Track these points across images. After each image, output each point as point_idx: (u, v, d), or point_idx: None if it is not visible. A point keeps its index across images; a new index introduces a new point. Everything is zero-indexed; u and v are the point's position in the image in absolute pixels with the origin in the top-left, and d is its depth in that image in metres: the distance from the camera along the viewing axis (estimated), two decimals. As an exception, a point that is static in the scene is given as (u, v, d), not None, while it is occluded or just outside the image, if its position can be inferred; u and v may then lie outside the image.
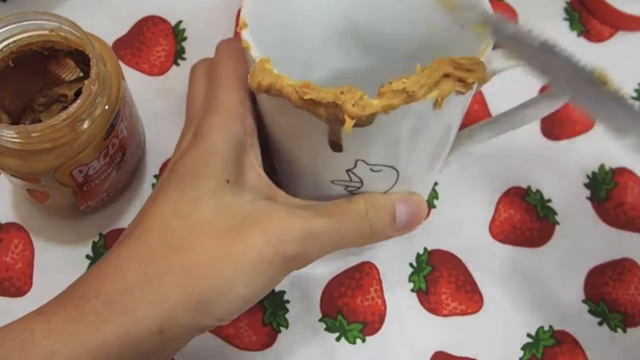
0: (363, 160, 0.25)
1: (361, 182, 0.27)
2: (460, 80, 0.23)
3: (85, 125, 0.28)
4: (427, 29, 0.28)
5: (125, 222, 0.34)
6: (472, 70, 0.23)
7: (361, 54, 0.31)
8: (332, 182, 0.27)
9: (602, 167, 0.37)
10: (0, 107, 0.30)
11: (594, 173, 0.37)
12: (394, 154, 0.26)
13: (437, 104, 0.23)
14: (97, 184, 0.31)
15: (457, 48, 0.25)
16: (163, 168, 0.36)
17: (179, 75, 0.38)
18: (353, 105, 0.22)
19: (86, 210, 0.33)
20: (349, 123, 0.22)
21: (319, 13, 0.29)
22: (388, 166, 0.26)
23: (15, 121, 0.31)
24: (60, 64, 0.31)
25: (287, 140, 0.28)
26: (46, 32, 0.29)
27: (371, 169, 0.26)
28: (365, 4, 0.29)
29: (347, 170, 0.26)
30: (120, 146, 0.31)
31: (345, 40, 0.30)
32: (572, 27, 0.41)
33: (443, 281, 0.34)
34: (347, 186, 0.27)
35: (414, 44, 0.29)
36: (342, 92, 0.22)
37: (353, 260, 0.34)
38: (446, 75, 0.23)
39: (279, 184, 0.28)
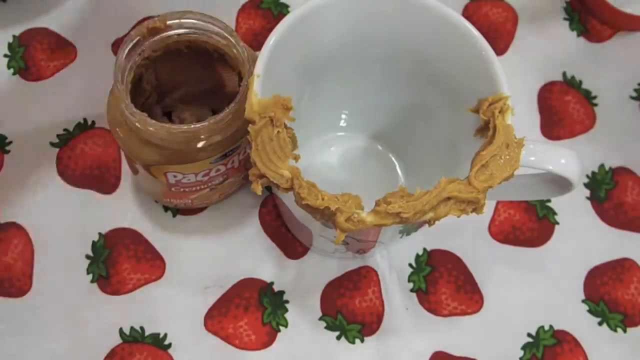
0: (351, 237, 0.29)
1: (348, 243, 0.31)
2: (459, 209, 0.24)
3: (200, 144, 0.28)
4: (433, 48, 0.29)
5: (124, 221, 0.35)
6: (473, 202, 0.23)
7: (370, 62, 0.31)
8: (325, 237, 0.30)
9: (601, 166, 0.37)
10: (154, 77, 0.31)
11: (593, 173, 0.37)
12: (377, 235, 0.29)
13: (430, 223, 0.24)
14: (186, 191, 0.31)
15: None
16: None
17: (178, 75, 0.38)
18: (346, 221, 0.23)
19: (168, 205, 0.34)
20: (340, 236, 0.23)
21: (336, 36, 0.29)
22: (371, 240, 0.30)
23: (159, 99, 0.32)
24: (229, 72, 0.32)
25: (287, 206, 0.30)
26: (223, 41, 0.29)
27: (357, 240, 0.30)
28: (375, 22, 0.29)
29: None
30: (224, 173, 0.31)
31: (356, 52, 0.31)
32: (572, 27, 0.41)
33: (443, 281, 0.34)
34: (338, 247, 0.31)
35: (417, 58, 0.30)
36: (338, 200, 0.23)
37: (352, 265, 0.35)
38: (447, 199, 0.23)
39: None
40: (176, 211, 0.35)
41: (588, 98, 0.39)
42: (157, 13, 0.40)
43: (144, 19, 0.39)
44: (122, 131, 0.29)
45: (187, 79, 0.32)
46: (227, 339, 0.33)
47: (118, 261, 0.34)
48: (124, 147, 0.29)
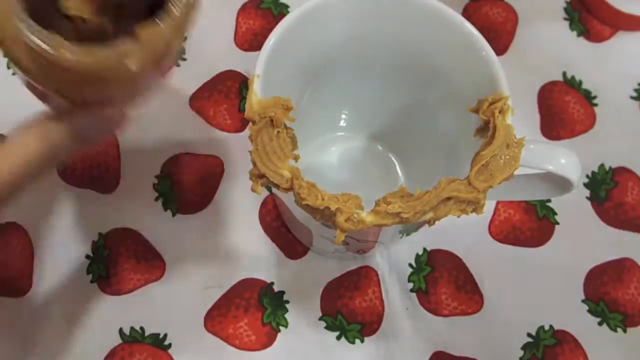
0: (351, 237, 0.28)
1: (348, 244, 0.31)
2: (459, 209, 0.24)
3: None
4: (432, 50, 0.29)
5: (124, 221, 0.35)
6: (473, 202, 0.23)
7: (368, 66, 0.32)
8: (325, 237, 0.30)
9: (601, 166, 0.37)
10: None
11: (593, 173, 0.37)
12: (377, 235, 0.29)
13: (430, 223, 0.24)
14: None
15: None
16: (164, 168, 0.36)
17: (179, 76, 0.38)
18: (346, 221, 0.23)
19: None
20: (340, 236, 0.23)
21: (332, 37, 0.29)
22: (371, 240, 0.30)
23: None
24: None
25: (287, 205, 0.30)
26: None
27: (357, 240, 0.30)
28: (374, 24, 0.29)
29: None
30: None
31: (355, 53, 0.31)
32: (572, 27, 0.41)
33: (443, 281, 0.34)
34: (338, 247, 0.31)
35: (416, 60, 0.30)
36: (338, 200, 0.23)
37: (352, 265, 0.35)
38: (446, 199, 0.23)
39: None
40: (175, 210, 0.35)
41: (588, 98, 0.39)
42: (157, 13, 0.40)
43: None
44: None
45: None
46: (227, 339, 0.33)
47: (118, 261, 0.34)
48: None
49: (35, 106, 0.37)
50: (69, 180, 0.35)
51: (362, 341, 0.33)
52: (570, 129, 0.38)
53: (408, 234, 0.31)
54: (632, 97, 0.39)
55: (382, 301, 0.34)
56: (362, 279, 0.34)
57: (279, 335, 0.33)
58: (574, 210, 0.36)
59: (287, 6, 0.40)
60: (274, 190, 0.29)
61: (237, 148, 0.36)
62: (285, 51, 0.26)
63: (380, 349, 0.33)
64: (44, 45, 0.20)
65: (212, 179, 0.36)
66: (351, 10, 0.28)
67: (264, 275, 0.34)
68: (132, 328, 0.33)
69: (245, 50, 0.39)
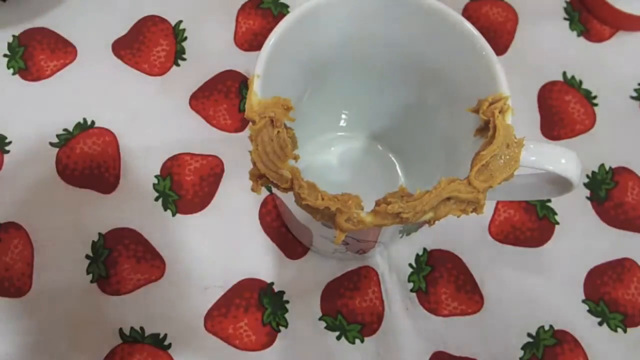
0: (351, 237, 0.29)
1: (348, 244, 0.30)
2: (459, 209, 0.23)
3: None
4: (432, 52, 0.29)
5: (124, 221, 0.35)
6: (473, 202, 0.23)
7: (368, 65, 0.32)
8: (325, 237, 0.30)
9: (602, 166, 0.37)
10: None
11: (593, 173, 0.37)
12: (377, 235, 0.29)
13: (430, 223, 0.24)
14: None
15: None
16: (164, 168, 0.36)
17: (179, 76, 0.38)
18: (346, 221, 0.23)
19: None
20: (340, 236, 0.23)
21: (334, 37, 0.29)
22: (371, 240, 0.30)
23: None
24: None
25: (287, 205, 0.30)
26: None
27: (357, 240, 0.30)
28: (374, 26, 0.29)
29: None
30: None
31: (354, 56, 0.31)
32: (572, 27, 0.41)
33: (443, 281, 0.35)
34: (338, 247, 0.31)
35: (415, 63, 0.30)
36: (338, 200, 0.23)
37: (352, 265, 0.35)
38: (446, 199, 0.23)
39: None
40: (175, 210, 0.35)
41: (588, 98, 0.39)
42: (157, 13, 0.40)
43: (144, 19, 0.39)
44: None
45: None
46: (227, 339, 0.33)
47: (118, 261, 0.34)
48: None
49: (35, 106, 0.37)
50: (69, 180, 0.35)
51: (362, 341, 0.33)
52: (571, 129, 0.38)
53: (408, 234, 0.31)
54: (632, 97, 0.39)
55: (382, 301, 0.34)
56: (362, 279, 0.34)
57: (279, 335, 0.33)
58: (574, 210, 0.36)
59: (287, 6, 0.40)
60: (274, 190, 0.29)
61: (237, 148, 0.36)
62: (285, 51, 0.26)
63: (380, 349, 0.33)
64: None
65: (212, 179, 0.36)
66: (351, 10, 0.28)
67: (264, 275, 0.34)
68: (132, 328, 0.33)
69: (245, 50, 0.39)
